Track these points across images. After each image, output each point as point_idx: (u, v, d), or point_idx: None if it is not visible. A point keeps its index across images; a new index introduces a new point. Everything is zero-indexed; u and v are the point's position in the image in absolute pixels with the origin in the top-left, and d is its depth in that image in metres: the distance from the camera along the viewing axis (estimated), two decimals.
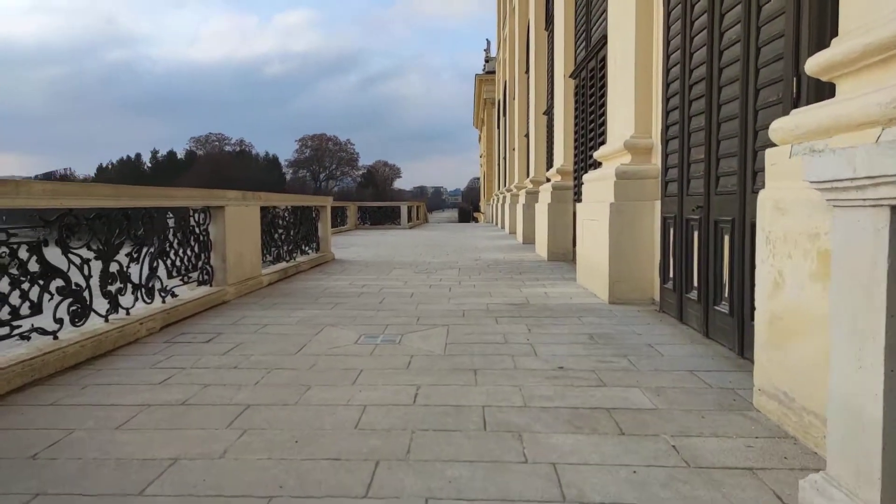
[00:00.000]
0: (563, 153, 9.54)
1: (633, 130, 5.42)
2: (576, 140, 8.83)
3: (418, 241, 15.25)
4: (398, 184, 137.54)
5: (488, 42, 49.89)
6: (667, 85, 4.79)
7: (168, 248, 4.86)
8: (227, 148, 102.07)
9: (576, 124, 8.80)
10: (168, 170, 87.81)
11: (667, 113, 4.79)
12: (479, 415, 2.62)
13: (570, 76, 8.94)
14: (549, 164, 11.76)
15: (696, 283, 4.26)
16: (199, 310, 4.96)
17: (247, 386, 3.01)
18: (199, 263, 5.38)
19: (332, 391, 2.93)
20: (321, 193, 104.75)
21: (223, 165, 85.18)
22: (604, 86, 7.11)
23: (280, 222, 7.85)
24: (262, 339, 4.07)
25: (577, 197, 8.60)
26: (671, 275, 4.76)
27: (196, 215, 5.37)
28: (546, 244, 9.50)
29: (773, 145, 2.71)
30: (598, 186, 5.88)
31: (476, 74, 48.86)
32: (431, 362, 3.46)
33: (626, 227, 5.30)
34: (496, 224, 25.38)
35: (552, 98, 11.00)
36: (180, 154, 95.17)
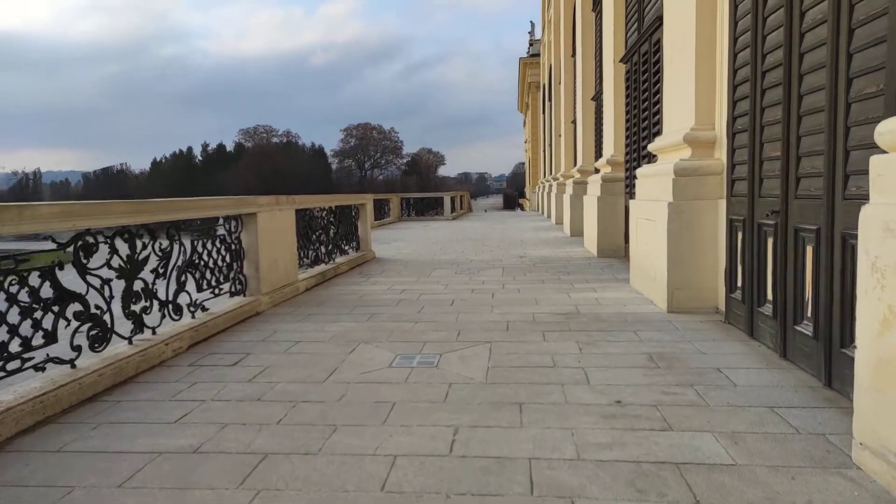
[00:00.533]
0: (613, 142, 8.99)
1: (694, 121, 4.89)
2: (627, 129, 8.27)
3: (461, 233, 14.90)
4: (442, 171, 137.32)
5: (532, 24, 48.68)
6: (734, 71, 4.26)
7: (197, 260, 4.67)
8: (275, 139, 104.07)
9: (627, 112, 8.24)
10: (218, 162, 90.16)
11: (734, 103, 4.27)
12: (524, 471, 2.27)
13: (621, 60, 8.36)
14: (598, 154, 11.18)
15: (770, 297, 3.77)
16: (230, 323, 4.77)
17: (268, 425, 2.74)
18: (231, 274, 5.20)
19: (359, 435, 2.63)
20: (366, 183, 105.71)
21: (270, 157, 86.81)
22: (658, 71, 6.55)
23: (317, 224, 7.64)
24: (292, 360, 3.82)
25: (629, 190, 8.07)
26: (739, 284, 4.26)
27: (228, 223, 5.18)
28: (595, 240, 9.00)
29: (876, 147, 2.23)
30: (654, 183, 5.38)
31: (520, 58, 47.81)
32: (472, 393, 3.13)
33: (686, 229, 4.81)
34: (542, 213, 24.76)
35: (601, 83, 10.41)
36: (229, 146, 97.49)
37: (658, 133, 6.57)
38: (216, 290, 4.94)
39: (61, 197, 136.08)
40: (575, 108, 14.86)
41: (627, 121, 8.20)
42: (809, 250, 3.27)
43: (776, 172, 3.63)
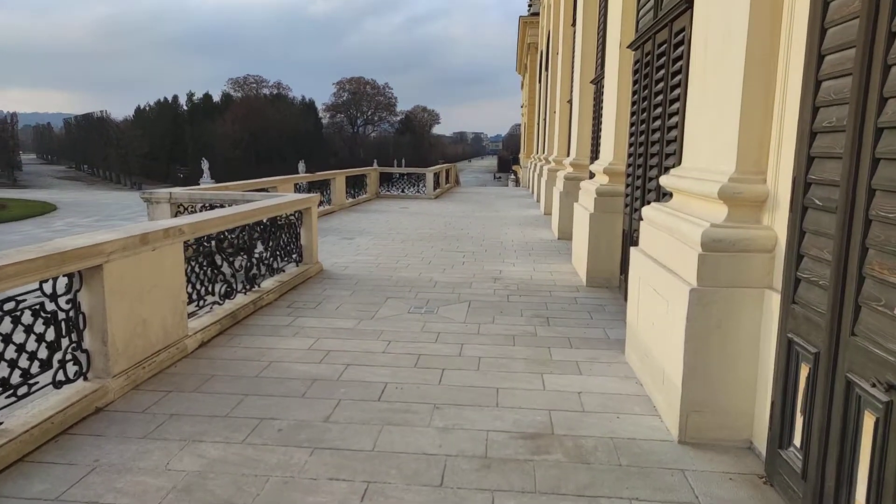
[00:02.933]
0: (612, 146, 7.34)
1: (735, 166, 3.30)
2: (633, 132, 6.61)
3: (437, 225, 13.28)
4: (437, 129, 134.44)
5: None
6: (816, 84, 2.66)
7: None
8: (265, 91, 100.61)
9: (634, 112, 6.56)
10: (204, 112, 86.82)
11: (811, 138, 2.69)
12: None
13: (629, 46, 6.64)
14: (595, 149, 9.52)
15: (861, 488, 2.28)
16: (35, 445, 3.24)
17: None
18: (63, 356, 3.63)
19: None
20: (358, 139, 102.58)
21: (258, 110, 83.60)
22: (679, 72, 4.88)
23: (236, 244, 6.04)
24: None
25: (630, 209, 6.49)
26: (796, 439, 2.77)
27: (55, 283, 3.58)
28: (585, 262, 7.45)
29: None
30: (670, 245, 3.82)
31: (520, 16, 45.26)
32: None
33: (715, 328, 3.27)
34: (531, 193, 23.10)
35: (602, 68, 8.67)
36: (216, 97, 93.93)
37: (673, 153, 4.96)
38: (28, 385, 3.38)
39: (43, 140, 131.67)
40: (572, 87, 13.08)
41: (633, 124, 6.53)
42: None
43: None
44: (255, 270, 6.35)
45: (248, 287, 6.21)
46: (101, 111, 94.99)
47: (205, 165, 58.86)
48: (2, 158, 79.21)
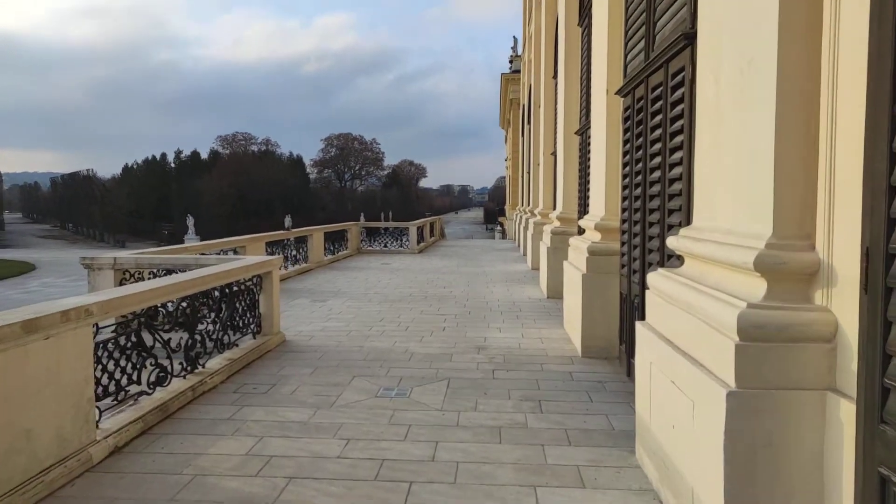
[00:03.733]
0: (603, 201, 6.65)
1: (772, 228, 2.55)
2: (626, 186, 5.93)
3: (419, 283, 12.46)
4: (424, 183, 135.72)
5: (515, 39, 47.04)
6: (893, 121, 1.94)
7: None
8: (253, 147, 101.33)
9: (626, 163, 5.89)
10: (191, 170, 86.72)
11: (890, 195, 1.95)
12: None
13: (618, 93, 6.05)
14: (583, 205, 8.87)
15: None
16: None
17: None
18: None
19: None
20: (346, 194, 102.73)
21: (245, 166, 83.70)
22: (681, 116, 4.23)
23: (173, 317, 5.17)
24: None
25: (629, 270, 5.73)
26: None
27: None
28: (580, 330, 6.63)
29: None
30: (691, 326, 3.03)
31: (502, 74, 46.27)
32: None
33: (764, 447, 2.44)
34: (518, 246, 22.47)
35: (588, 118, 8.11)
36: (204, 154, 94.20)
37: (678, 211, 4.25)
38: None
39: (29, 199, 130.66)
40: (556, 139, 12.60)
41: (626, 175, 5.84)
42: None
43: None
44: (198, 348, 5.46)
45: (188, 369, 5.31)
46: (88, 170, 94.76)
47: (189, 222, 58.18)
48: None
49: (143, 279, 7.00)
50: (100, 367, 4.12)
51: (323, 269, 14.96)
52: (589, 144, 8.23)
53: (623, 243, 6.04)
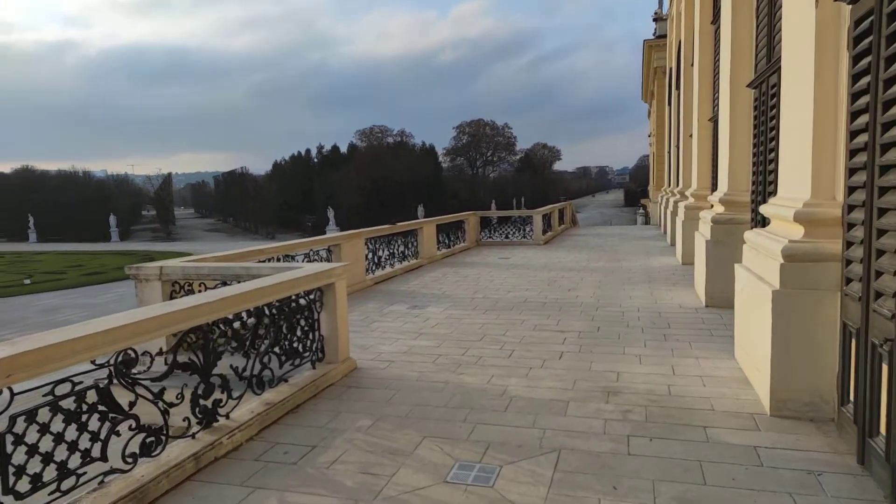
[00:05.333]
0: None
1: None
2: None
3: (537, 285, 10.46)
4: (558, 166, 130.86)
5: (658, 13, 42.16)
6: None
7: None
8: (388, 139, 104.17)
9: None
10: (332, 164, 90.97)
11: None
12: None
13: (749, 86, 3.68)
14: (762, 184, 6.37)
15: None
16: None
17: None
18: None
19: None
20: (478, 181, 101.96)
21: (380, 158, 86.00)
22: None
23: (174, 360, 3.80)
24: None
25: (867, 289, 3.40)
26: None
27: None
28: (768, 373, 4.31)
29: None
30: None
31: (644, 40, 41.79)
32: None
33: None
34: (663, 233, 19.44)
35: (775, 55, 5.63)
36: (343, 148, 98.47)
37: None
38: None
39: (199, 197, 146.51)
40: (717, 97, 9.90)
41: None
42: None
43: None
44: (214, 396, 4.07)
45: (202, 423, 3.94)
46: (242, 168, 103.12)
47: (330, 213, 60.72)
48: (159, 215, 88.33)
49: (191, 291, 5.86)
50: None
51: (434, 266, 13.48)
52: (775, 98, 5.77)
53: (850, 244, 3.68)
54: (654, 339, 6.41)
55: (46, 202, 66.47)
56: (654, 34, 41.25)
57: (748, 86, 7.16)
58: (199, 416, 3.95)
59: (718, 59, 9.49)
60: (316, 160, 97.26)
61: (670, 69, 22.85)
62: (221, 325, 4.20)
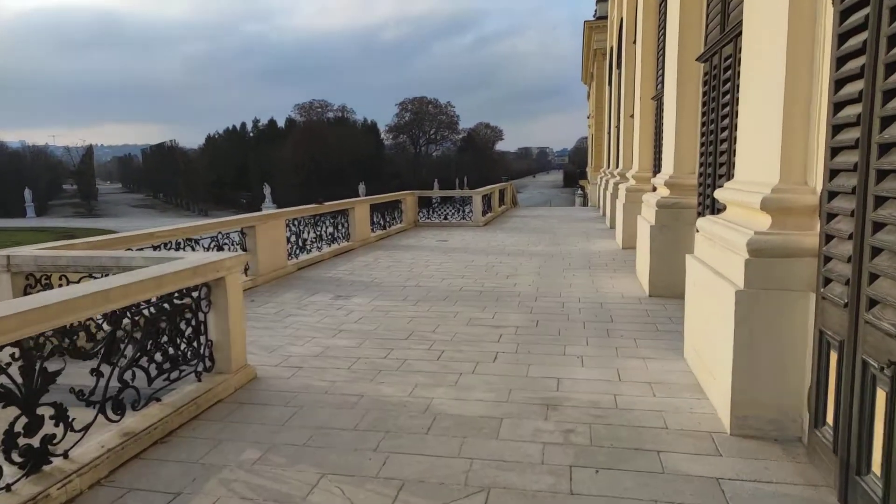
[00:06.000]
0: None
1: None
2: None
3: (472, 272, 9.78)
4: (501, 146, 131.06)
5: None
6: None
7: None
8: (329, 115, 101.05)
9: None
10: (269, 139, 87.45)
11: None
12: None
13: (698, 59, 3.04)
14: (712, 165, 5.82)
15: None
16: None
17: None
18: None
19: None
20: (420, 159, 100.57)
21: (319, 134, 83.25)
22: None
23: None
24: None
25: (854, 300, 2.83)
26: None
27: None
28: (728, 384, 3.74)
29: None
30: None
31: (585, 21, 41.61)
32: None
33: None
34: (602, 214, 19.21)
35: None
36: (281, 122, 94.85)
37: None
38: None
39: (126, 170, 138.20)
40: (661, 74, 9.39)
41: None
42: None
43: None
44: (44, 431, 3.11)
45: (24, 469, 2.99)
46: (171, 141, 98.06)
47: (266, 190, 58.24)
48: (80, 190, 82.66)
49: (51, 286, 4.78)
50: None
51: (367, 249, 12.57)
52: (729, 71, 5.20)
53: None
54: (597, 336, 5.82)
55: None
56: (594, 15, 41.16)
57: (698, 59, 6.59)
58: (21, 459, 3.00)
59: (664, 35, 8.95)
60: (252, 135, 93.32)
61: (611, 48, 22.51)
62: (60, 337, 3.23)
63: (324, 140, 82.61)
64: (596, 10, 41.97)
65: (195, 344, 4.39)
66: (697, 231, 4.74)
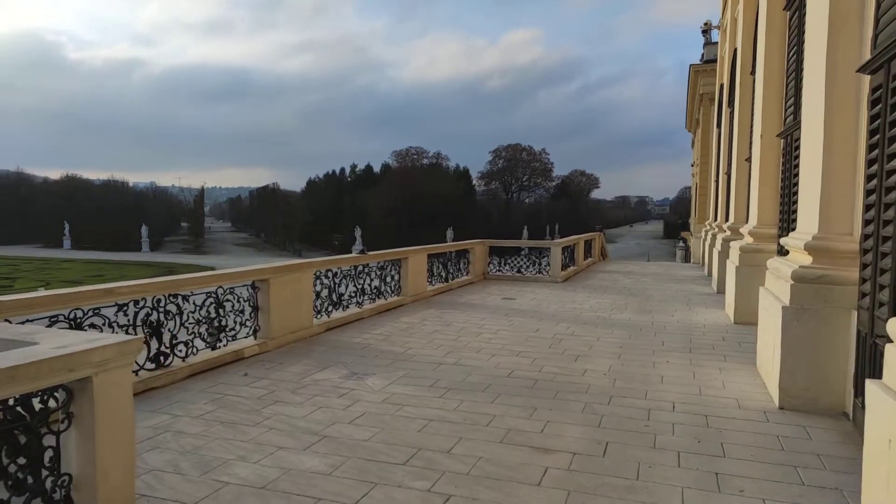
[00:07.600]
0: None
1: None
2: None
3: (533, 348, 7.74)
4: (596, 194, 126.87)
5: (708, 24, 39.15)
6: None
7: None
8: (424, 161, 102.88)
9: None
10: (364, 183, 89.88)
11: None
12: None
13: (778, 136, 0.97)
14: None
15: None
16: None
17: None
18: None
19: None
20: (512, 206, 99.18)
21: (411, 178, 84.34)
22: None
23: None
24: None
25: None
26: None
27: None
28: None
29: None
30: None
31: (691, 65, 38.75)
32: None
33: None
34: (707, 273, 16.41)
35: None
36: (377, 168, 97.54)
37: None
38: None
39: (236, 210, 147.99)
40: (795, 103, 7.14)
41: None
42: None
43: None
44: None
45: None
46: (273, 183, 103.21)
47: (357, 233, 58.92)
48: (191, 228, 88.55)
49: None
50: None
51: (417, 306, 10.86)
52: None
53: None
54: (699, 486, 3.66)
55: (85, 210, 66.78)
56: (701, 59, 38.36)
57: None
58: None
59: (798, 51, 6.78)
60: (349, 179, 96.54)
61: (720, 86, 19.99)
62: None
63: (415, 184, 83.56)
64: (703, 54, 39.18)
65: (37, 479, 2.79)
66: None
